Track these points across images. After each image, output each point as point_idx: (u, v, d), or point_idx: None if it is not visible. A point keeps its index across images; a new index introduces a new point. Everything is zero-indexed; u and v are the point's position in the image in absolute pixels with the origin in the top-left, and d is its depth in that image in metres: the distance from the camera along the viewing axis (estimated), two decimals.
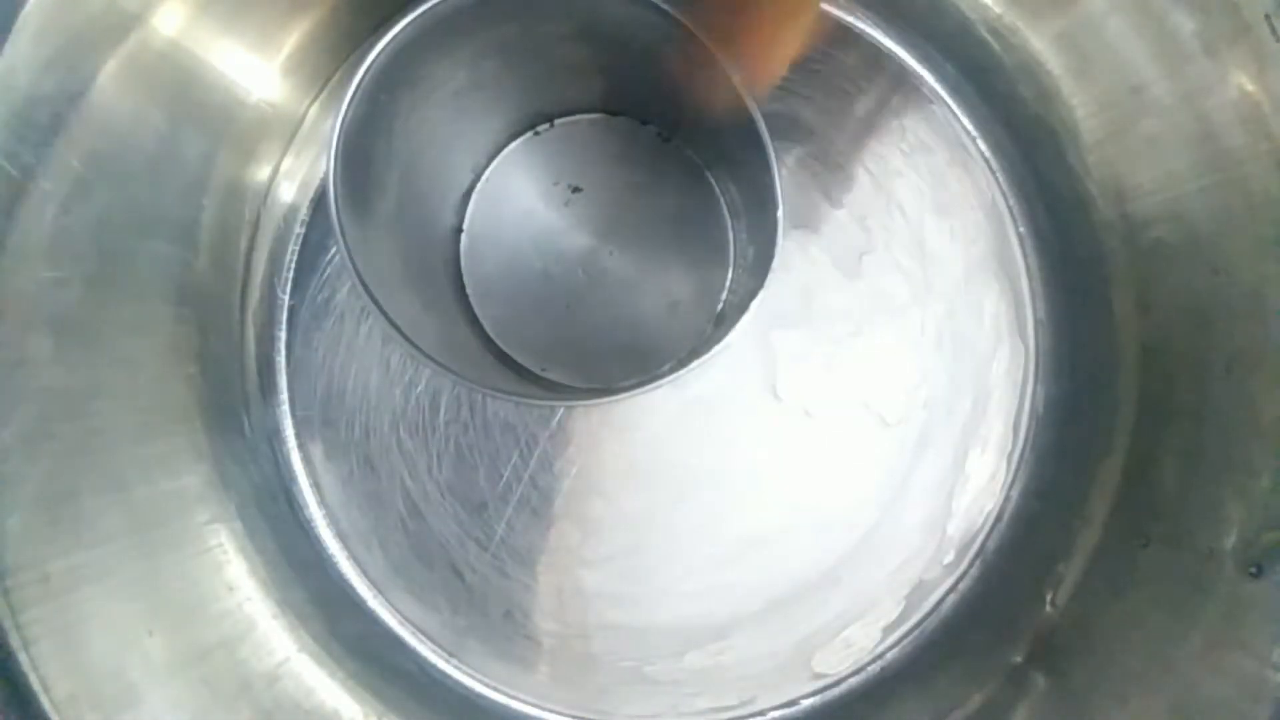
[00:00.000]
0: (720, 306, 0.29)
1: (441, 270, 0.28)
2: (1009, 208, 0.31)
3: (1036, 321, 0.31)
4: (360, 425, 0.29)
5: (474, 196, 0.29)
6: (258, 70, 0.28)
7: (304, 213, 0.30)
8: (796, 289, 0.30)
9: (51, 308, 0.23)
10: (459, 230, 0.29)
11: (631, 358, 0.29)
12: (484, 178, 0.29)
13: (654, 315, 0.29)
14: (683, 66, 0.24)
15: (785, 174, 0.29)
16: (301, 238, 0.30)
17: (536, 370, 0.29)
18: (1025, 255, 0.31)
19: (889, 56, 0.31)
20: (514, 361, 0.29)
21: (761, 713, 0.29)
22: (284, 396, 0.30)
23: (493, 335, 0.29)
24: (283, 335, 0.30)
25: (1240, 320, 0.25)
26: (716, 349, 0.23)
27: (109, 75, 0.23)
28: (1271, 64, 0.23)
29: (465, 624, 0.29)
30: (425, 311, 0.26)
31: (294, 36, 0.28)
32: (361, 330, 0.30)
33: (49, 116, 0.22)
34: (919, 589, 0.30)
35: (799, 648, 0.29)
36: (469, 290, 0.29)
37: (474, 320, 0.29)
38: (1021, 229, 0.31)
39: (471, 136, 0.28)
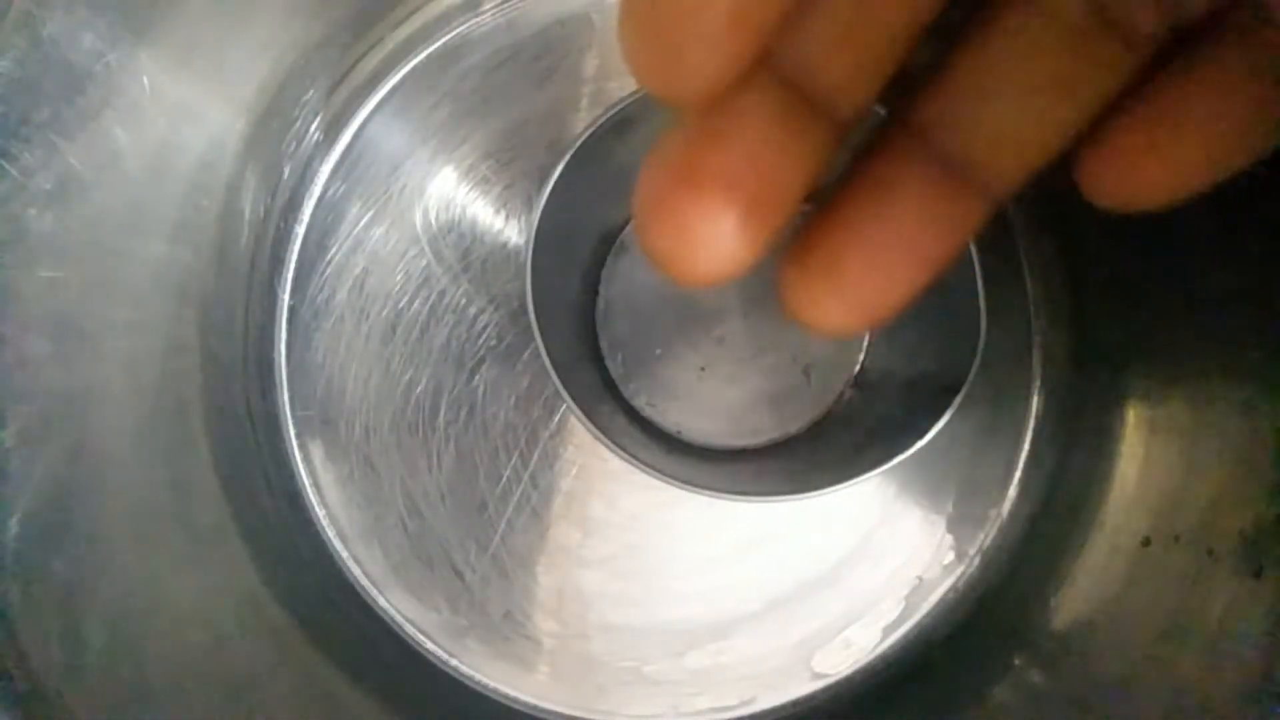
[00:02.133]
0: (855, 372, 0.29)
1: (575, 342, 0.29)
2: (1008, 207, 0.31)
3: (1036, 321, 0.31)
4: (360, 425, 0.29)
5: (608, 263, 0.30)
6: (264, 68, 0.28)
7: (304, 213, 0.30)
8: None
9: (51, 308, 0.23)
10: (595, 294, 0.29)
11: (767, 417, 0.29)
12: (617, 243, 0.29)
13: (788, 377, 0.29)
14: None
15: None
16: (301, 238, 0.30)
17: (671, 430, 0.29)
18: (1025, 254, 0.31)
19: None
20: (639, 414, 0.29)
21: (761, 713, 0.29)
22: (284, 396, 0.30)
23: (623, 390, 0.29)
24: (283, 335, 0.30)
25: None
26: (916, 447, 0.23)
27: (109, 73, 0.23)
28: None
29: (465, 624, 0.29)
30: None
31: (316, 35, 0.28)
32: (361, 330, 0.30)
33: (49, 116, 0.22)
34: (919, 589, 0.30)
35: (799, 648, 0.29)
36: (604, 351, 0.30)
37: (600, 362, 0.29)
38: (1021, 228, 0.31)
39: (616, 198, 0.29)
